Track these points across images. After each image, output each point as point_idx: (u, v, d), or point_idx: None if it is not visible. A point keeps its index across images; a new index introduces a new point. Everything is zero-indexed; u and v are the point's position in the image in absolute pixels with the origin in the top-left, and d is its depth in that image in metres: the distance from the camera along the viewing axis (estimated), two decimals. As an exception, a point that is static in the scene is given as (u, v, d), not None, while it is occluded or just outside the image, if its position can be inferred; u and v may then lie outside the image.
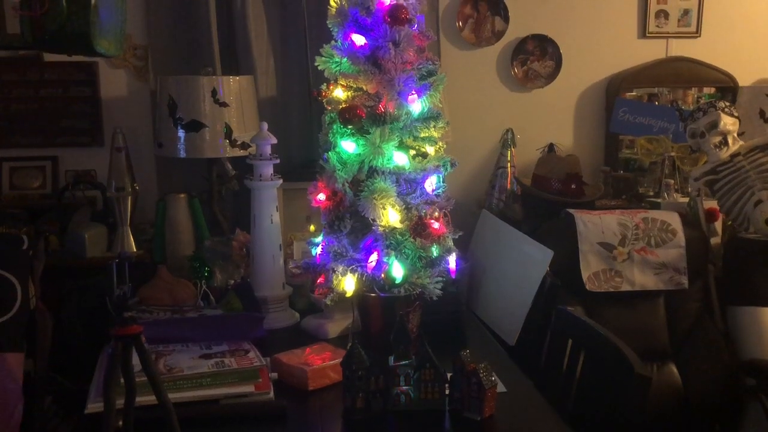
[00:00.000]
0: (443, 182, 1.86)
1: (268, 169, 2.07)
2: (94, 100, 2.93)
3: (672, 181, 2.73)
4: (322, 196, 1.80)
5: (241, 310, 2.04)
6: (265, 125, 2.09)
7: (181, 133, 2.59)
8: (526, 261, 2.17)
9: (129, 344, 1.22)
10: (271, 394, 1.56)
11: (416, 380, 1.51)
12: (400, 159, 1.76)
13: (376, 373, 1.50)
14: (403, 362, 1.52)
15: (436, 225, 1.78)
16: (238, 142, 2.62)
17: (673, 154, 2.81)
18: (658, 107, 3.02)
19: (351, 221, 1.76)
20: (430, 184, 1.81)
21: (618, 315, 2.44)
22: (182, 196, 2.67)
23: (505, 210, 2.87)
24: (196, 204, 2.68)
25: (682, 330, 2.46)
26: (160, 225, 2.66)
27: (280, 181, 2.10)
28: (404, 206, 1.76)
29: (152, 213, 2.73)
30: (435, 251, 1.79)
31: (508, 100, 3.16)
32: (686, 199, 2.70)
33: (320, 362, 1.66)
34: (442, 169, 1.83)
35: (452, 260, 1.84)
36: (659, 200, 2.73)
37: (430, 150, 1.84)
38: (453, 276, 1.86)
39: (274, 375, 1.65)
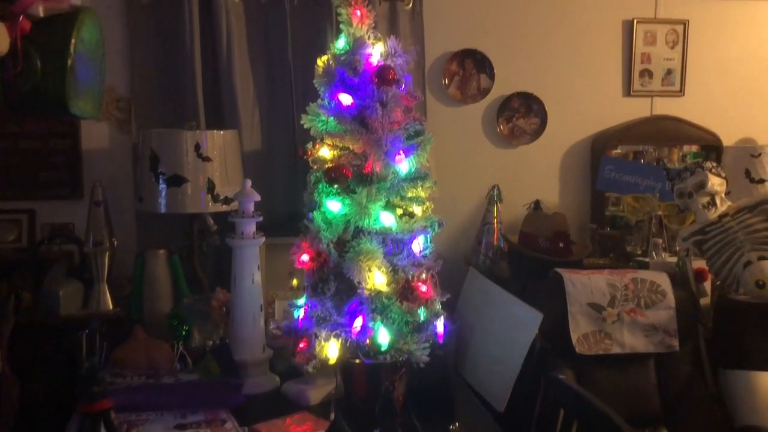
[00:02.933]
0: (431, 243, 1.82)
1: (251, 227, 2.02)
2: (75, 152, 2.87)
3: (660, 241, 2.71)
4: (305, 257, 1.75)
5: (219, 374, 1.95)
6: (249, 182, 2.05)
7: (162, 188, 2.54)
8: (515, 323, 2.11)
9: (97, 421, 1.14)
10: (249, 470, 1.47)
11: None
12: (387, 219, 1.71)
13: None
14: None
15: (423, 288, 1.72)
16: (221, 197, 2.57)
17: (660, 212, 2.80)
18: (645, 166, 3.02)
19: (335, 283, 1.71)
20: (418, 244, 1.77)
21: (608, 378, 2.38)
22: (161, 251, 2.60)
23: (492, 267, 2.83)
24: (176, 260, 2.61)
25: (673, 393, 2.40)
26: (138, 281, 2.59)
27: (263, 239, 2.05)
28: (391, 268, 1.71)
29: (131, 268, 2.65)
30: (422, 315, 1.73)
31: (493, 157, 3.15)
32: (674, 259, 2.67)
33: (301, 433, 1.58)
34: (429, 229, 1.78)
35: (440, 324, 1.78)
36: (647, 260, 2.70)
37: (418, 210, 1.80)
38: (440, 341, 1.80)
39: (252, 447, 1.57)
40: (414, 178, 1.76)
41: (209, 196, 2.55)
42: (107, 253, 2.59)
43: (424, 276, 1.76)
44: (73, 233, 2.81)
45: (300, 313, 1.76)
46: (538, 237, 2.65)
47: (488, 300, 2.27)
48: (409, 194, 1.77)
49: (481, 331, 2.23)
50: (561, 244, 2.63)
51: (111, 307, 2.58)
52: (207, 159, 2.54)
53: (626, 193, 2.94)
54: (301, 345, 1.79)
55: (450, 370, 2.03)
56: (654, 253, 2.68)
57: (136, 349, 2.08)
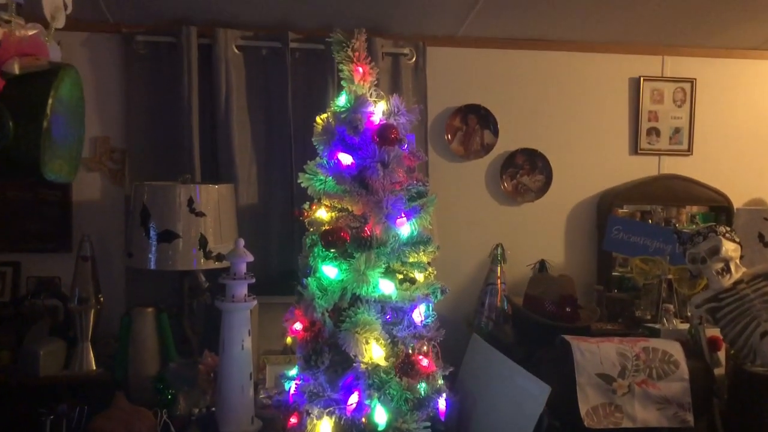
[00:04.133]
0: (432, 311, 1.71)
1: (242, 290, 1.91)
2: (65, 203, 2.78)
3: (671, 307, 2.59)
4: (298, 326, 1.63)
5: (204, 448, 1.82)
6: (242, 242, 1.95)
7: (153, 243, 2.43)
8: (521, 396, 1.98)
9: None
10: None
11: None
12: (387, 287, 1.61)
13: None
14: None
15: (425, 362, 1.61)
16: (214, 254, 2.46)
17: (670, 276, 2.69)
18: (654, 227, 2.92)
19: (330, 355, 1.59)
20: (419, 314, 1.66)
21: (619, 454, 2.23)
22: (149, 310, 2.49)
23: (495, 331, 2.71)
24: (164, 319, 2.49)
25: (689, 474, 2.25)
26: (123, 341, 2.47)
27: (254, 302, 1.94)
28: (390, 339, 1.60)
29: (117, 326, 2.53)
30: (423, 391, 1.61)
31: (497, 214, 3.06)
32: (686, 326, 2.55)
33: None
34: (431, 296, 1.67)
35: (441, 401, 1.65)
36: (658, 326, 2.57)
37: (419, 276, 1.69)
38: (442, 418, 1.67)
39: None
40: (416, 243, 1.66)
41: (201, 252, 2.44)
42: (93, 311, 2.47)
43: (425, 348, 1.64)
44: (58, 288, 2.69)
45: (291, 387, 1.64)
46: (544, 300, 2.53)
47: (492, 368, 2.14)
48: (411, 259, 1.67)
49: (484, 403, 2.09)
50: (568, 309, 2.51)
51: (94, 367, 2.46)
52: (200, 214, 2.44)
53: (634, 255, 2.84)
54: (292, 420, 1.66)
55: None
56: (665, 319, 2.57)
57: (117, 419, 1.95)
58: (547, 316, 2.52)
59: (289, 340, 2.44)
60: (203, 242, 2.45)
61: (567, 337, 2.33)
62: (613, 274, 3.02)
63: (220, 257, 2.47)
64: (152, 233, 2.42)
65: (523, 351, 2.43)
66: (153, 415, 2.02)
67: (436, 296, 1.68)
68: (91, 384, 2.42)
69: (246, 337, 1.92)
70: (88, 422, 1.97)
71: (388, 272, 1.64)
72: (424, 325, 1.65)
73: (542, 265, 2.96)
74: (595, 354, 2.27)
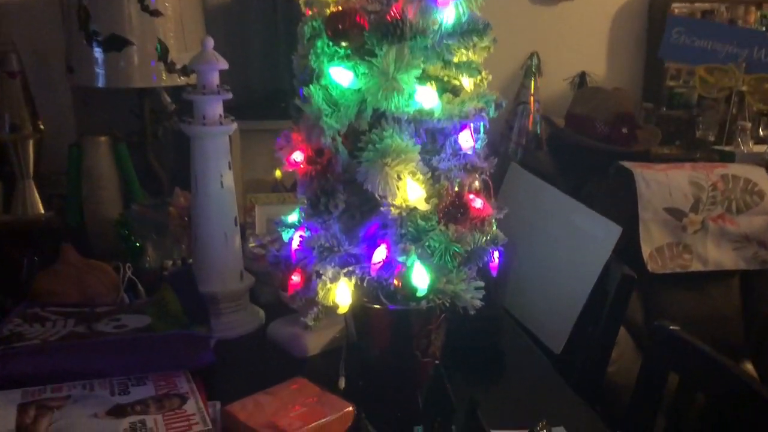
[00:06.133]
0: (484, 134, 1.22)
1: (215, 108, 1.41)
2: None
3: (748, 125, 2.12)
4: (298, 156, 1.15)
5: (180, 314, 1.40)
6: (210, 42, 1.41)
7: (98, 53, 1.88)
8: (581, 240, 1.57)
9: None
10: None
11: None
12: (427, 98, 1.10)
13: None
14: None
15: (478, 203, 1.14)
16: (178, 66, 1.92)
17: (744, 88, 2.19)
18: (729, 28, 2.38)
19: (345, 197, 1.12)
20: (467, 138, 1.17)
21: (682, 301, 1.89)
22: (103, 139, 1.98)
23: (526, 160, 2.25)
24: (123, 150, 1.99)
25: (761, 320, 1.91)
26: (73, 177, 1.99)
27: (234, 125, 1.44)
28: (429, 174, 1.12)
29: (65, 161, 2.04)
30: (475, 241, 1.16)
31: (531, 16, 2.48)
32: (763, 148, 2.10)
33: (299, 424, 1.05)
34: (484, 113, 1.18)
35: (496, 254, 1.21)
36: (729, 149, 2.12)
37: (467, 84, 1.19)
38: (494, 273, 1.24)
39: (226, 444, 1.04)
40: (466, 32, 1.13)
41: (162, 64, 1.90)
42: (31, 141, 1.97)
43: (476, 184, 1.17)
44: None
45: (295, 239, 1.18)
46: (594, 120, 2.05)
47: (540, 208, 1.71)
48: (457, 58, 1.15)
49: (530, 249, 1.68)
50: (625, 130, 2.03)
51: (42, 210, 2.01)
52: (156, 13, 1.87)
53: (698, 64, 2.32)
54: (294, 279, 1.22)
55: (500, 312, 1.50)
56: (740, 140, 2.11)
57: (66, 278, 1.51)
58: (598, 139, 2.05)
59: (278, 173, 2.00)
60: (164, 51, 1.90)
61: (627, 165, 1.88)
62: (665, 88, 2.51)
63: (186, 71, 1.94)
64: (95, 40, 1.86)
65: (565, 183, 1.99)
66: (114, 270, 1.60)
67: (491, 111, 1.18)
68: (40, 231, 1.98)
69: (225, 171, 1.45)
70: (29, 284, 1.54)
71: (424, 77, 1.13)
72: (477, 155, 1.17)
73: (582, 78, 2.46)
74: (663, 184, 1.83)
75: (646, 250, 1.81)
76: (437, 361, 1.03)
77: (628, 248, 1.82)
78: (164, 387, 1.15)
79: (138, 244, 1.75)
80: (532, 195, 1.76)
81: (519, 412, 1.20)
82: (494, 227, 1.21)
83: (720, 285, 1.90)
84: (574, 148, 2.08)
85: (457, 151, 1.16)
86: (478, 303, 1.17)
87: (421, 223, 1.11)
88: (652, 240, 1.82)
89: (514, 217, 1.55)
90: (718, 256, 1.85)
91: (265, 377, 1.20)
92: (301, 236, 1.15)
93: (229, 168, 1.46)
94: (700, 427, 1.13)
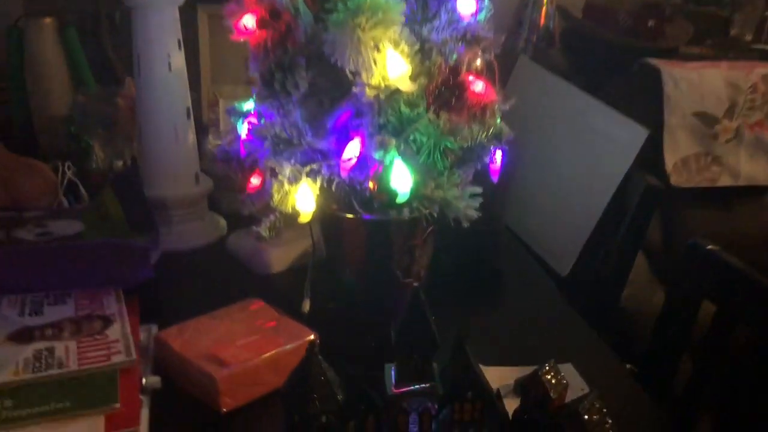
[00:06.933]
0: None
1: (158, -29, 1.14)
2: None
3: (793, 20, 1.85)
4: (249, 21, 0.89)
5: (121, 221, 1.19)
6: None
7: None
8: (599, 145, 1.33)
9: None
10: (140, 439, 0.76)
11: (443, 423, 0.71)
12: (414, -57, 0.84)
13: (359, 414, 0.69)
14: (419, 385, 0.71)
15: (478, 86, 0.90)
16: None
17: (789, -22, 1.91)
18: None
19: (309, 74, 0.88)
20: (468, 2, 0.92)
21: (705, 220, 1.66)
22: (48, 21, 1.71)
23: (536, 58, 1.97)
24: (72, 35, 1.73)
25: (793, 243, 1.70)
26: (14, 65, 1.73)
27: (183, -6, 1.18)
28: (417, 46, 0.88)
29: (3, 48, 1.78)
30: (473, 136, 0.92)
31: None
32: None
33: (246, 356, 0.85)
34: (490, -30, 0.92)
35: (498, 153, 0.98)
36: (770, 48, 1.86)
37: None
38: (495, 180, 1.01)
39: (156, 380, 0.84)
40: None
41: (111, -71, 1.61)
42: (-38, 21, 1.70)
43: (478, 63, 0.93)
44: None
45: (244, 128, 0.95)
46: (617, 11, 1.77)
47: (552, 108, 1.46)
48: None
49: (539, 158, 1.45)
50: (651, 23, 1.76)
51: (-21, 103, 1.76)
52: None
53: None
54: (254, 182, 1.00)
55: (501, 226, 1.27)
56: (783, 39, 1.84)
57: (-10, 177, 1.29)
58: (620, 33, 1.78)
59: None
60: None
61: (653, 62, 1.62)
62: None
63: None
64: None
65: (580, 84, 1.73)
66: (52, 170, 1.37)
67: (498, -31, 0.92)
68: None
69: (175, 51, 1.20)
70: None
71: None
72: (479, 24, 0.92)
73: (602, -34, 2.14)
74: (694, 85, 1.58)
75: (669, 161, 1.57)
76: (416, 284, 0.82)
77: (647, 158, 1.59)
78: (87, 307, 0.94)
79: (85, 143, 1.52)
80: (543, 93, 1.51)
81: (518, 347, 1.01)
82: (498, 120, 0.97)
83: (750, 203, 1.68)
84: (591, 43, 1.81)
85: (454, 18, 0.91)
86: (473, 214, 0.95)
87: (405, 109, 0.87)
88: (678, 149, 1.58)
89: (520, 117, 1.30)
90: (751, 169, 1.62)
91: (220, 297, 1.00)
92: (250, 123, 0.91)
93: (180, 48, 1.21)
94: (736, 371, 0.93)
